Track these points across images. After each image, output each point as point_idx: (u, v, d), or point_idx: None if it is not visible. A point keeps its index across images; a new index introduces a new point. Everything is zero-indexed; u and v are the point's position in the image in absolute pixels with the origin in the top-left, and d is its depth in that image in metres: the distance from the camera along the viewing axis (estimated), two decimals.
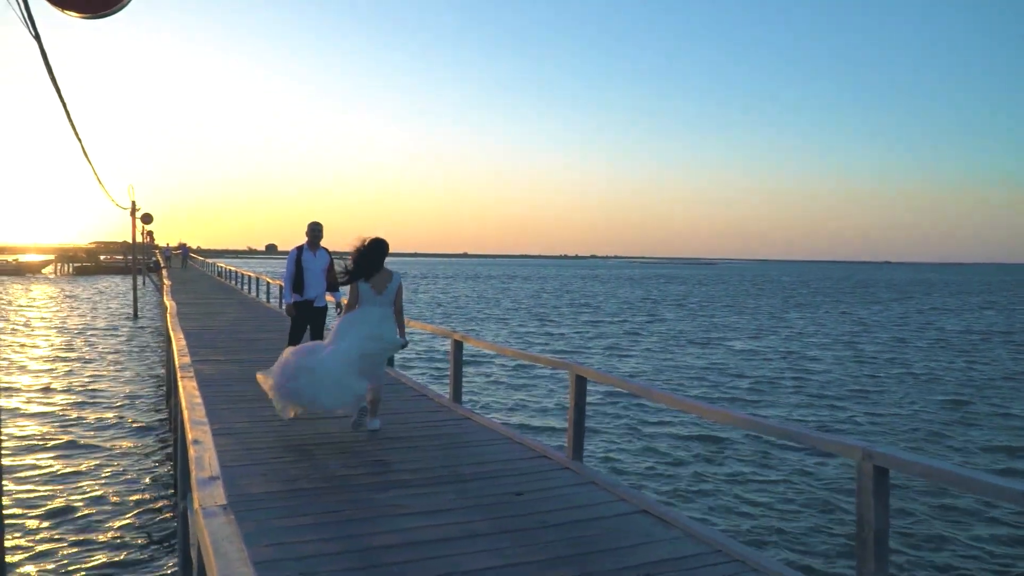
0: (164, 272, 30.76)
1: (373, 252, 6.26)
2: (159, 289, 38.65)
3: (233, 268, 33.94)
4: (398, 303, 6.35)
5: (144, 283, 48.66)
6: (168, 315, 9.67)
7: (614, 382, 5.40)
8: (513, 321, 30.86)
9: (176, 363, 5.72)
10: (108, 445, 10.26)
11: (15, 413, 11.89)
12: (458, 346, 7.79)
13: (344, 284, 6.35)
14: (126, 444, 10.32)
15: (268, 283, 22.87)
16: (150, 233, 66.73)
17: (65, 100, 5.45)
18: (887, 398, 15.19)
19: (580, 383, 5.76)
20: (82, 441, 10.41)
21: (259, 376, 6.38)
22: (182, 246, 61.44)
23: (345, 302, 6.53)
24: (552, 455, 5.88)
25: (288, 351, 6.28)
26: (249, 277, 27.11)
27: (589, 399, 13.44)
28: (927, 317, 37.57)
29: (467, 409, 7.55)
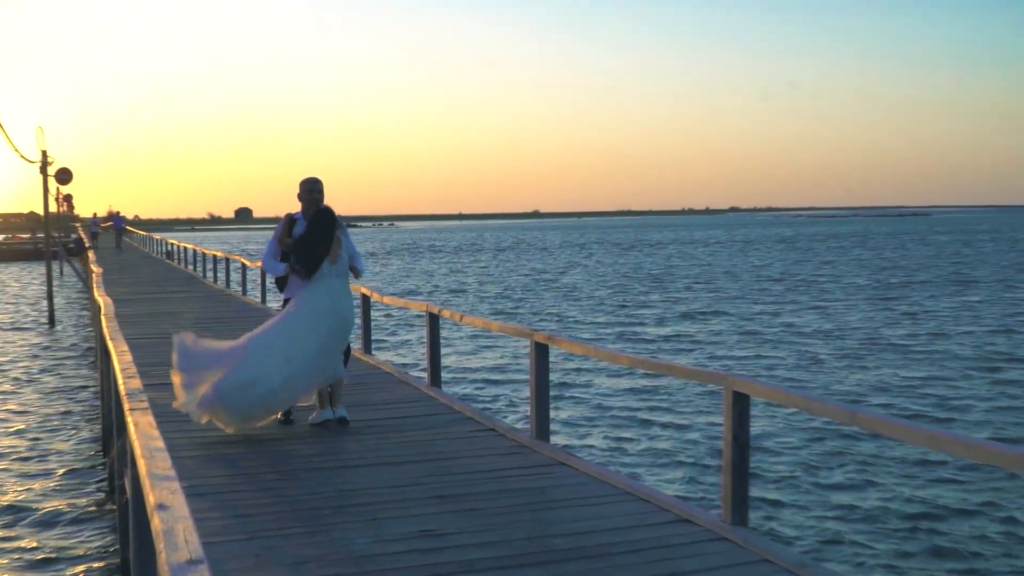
0: (91, 255, 31.76)
1: (324, 225, 8.05)
2: (84, 280, 40.07)
3: (191, 246, 34.84)
4: (351, 251, 8.24)
5: (61, 272, 50.47)
6: (102, 318, 9.90)
7: (800, 403, 5.24)
8: (610, 313, 30.77)
9: (120, 389, 5.82)
10: (19, 511, 10.61)
11: None
12: (541, 352, 7.75)
13: (309, 277, 8.05)
14: (46, 508, 10.65)
15: (244, 265, 23.33)
16: (68, 198, 69.09)
17: None
18: None
19: (740, 405, 5.63)
20: None
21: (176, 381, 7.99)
22: (114, 217, 63.36)
23: None
24: (698, 518, 5.78)
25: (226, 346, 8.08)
26: (215, 258, 27.76)
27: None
28: None
29: (559, 450, 7.51)
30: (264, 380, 7.74)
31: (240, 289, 23.27)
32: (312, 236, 8.09)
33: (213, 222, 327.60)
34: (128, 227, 64.27)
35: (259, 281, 19.85)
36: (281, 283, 8.51)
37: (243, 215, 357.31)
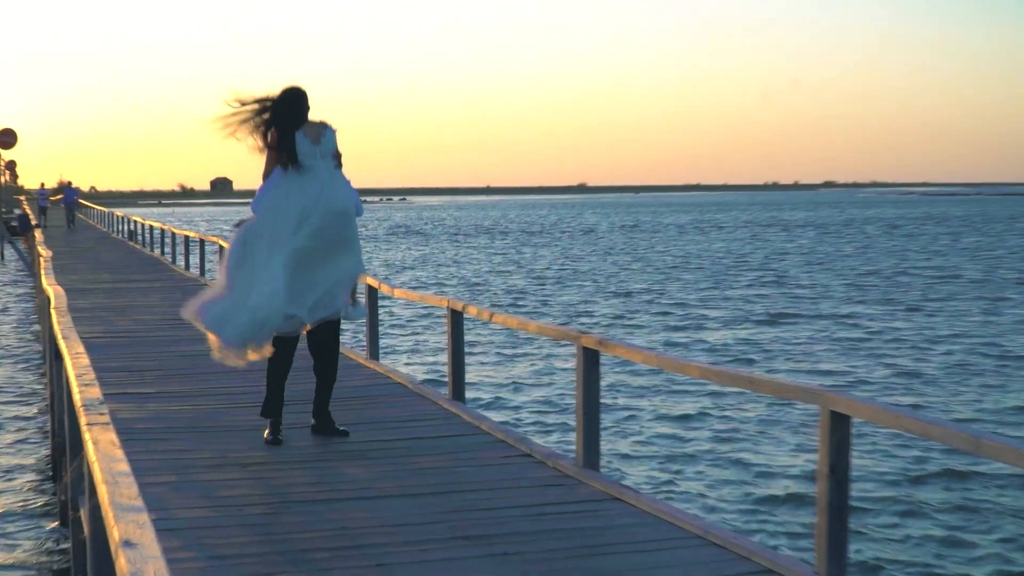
0: (38, 235, 32.05)
1: (296, 99, 8.18)
2: (30, 266, 40.37)
3: (158, 225, 35.09)
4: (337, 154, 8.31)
5: (2, 256, 50.91)
6: (52, 312, 9.97)
7: (915, 427, 5.16)
8: (665, 313, 30.70)
9: (75, 400, 5.84)
10: None
11: None
12: (590, 360, 7.73)
13: (289, 160, 8.11)
14: None
15: (222, 248, 23.37)
16: (12, 166, 69.66)
17: None
18: None
19: (840, 429, 5.56)
20: None
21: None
22: (65, 188, 63.91)
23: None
24: (785, 568, 5.76)
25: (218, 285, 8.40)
26: (187, 240, 27.94)
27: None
28: None
29: (611, 481, 7.52)
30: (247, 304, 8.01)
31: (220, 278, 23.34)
32: (287, 105, 8.21)
33: (185, 195, 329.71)
34: (81, 200, 64.95)
35: None
36: None
37: (221, 187, 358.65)
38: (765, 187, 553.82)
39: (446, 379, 10.54)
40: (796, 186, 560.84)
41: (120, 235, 46.98)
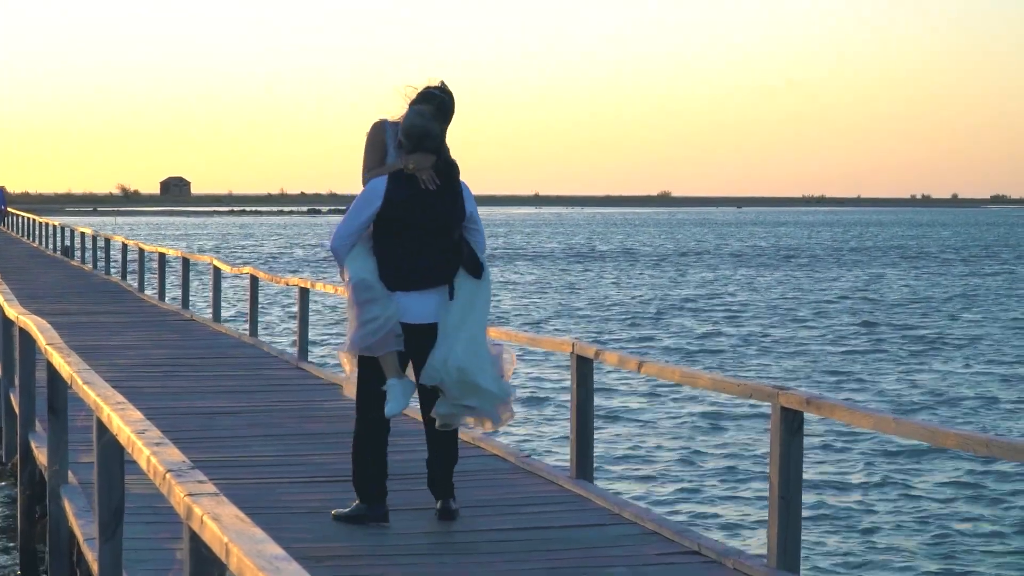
0: None
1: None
2: None
3: (121, 240, 34.56)
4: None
5: None
6: (48, 351, 9.87)
7: None
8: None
9: (156, 469, 5.83)
10: None
11: None
12: (792, 424, 7.52)
13: None
14: None
15: (216, 269, 23.18)
16: None
17: None
18: None
19: None
20: None
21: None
22: None
23: None
24: None
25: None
26: (163, 259, 27.72)
27: None
28: None
29: None
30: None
31: (208, 310, 23.43)
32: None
33: (127, 200, 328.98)
34: (8, 209, 65.28)
35: (249, 294, 20.12)
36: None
37: (175, 189, 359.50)
38: (911, 201, 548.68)
39: (566, 451, 10.37)
40: (955, 200, 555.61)
41: (51, 250, 47.55)
